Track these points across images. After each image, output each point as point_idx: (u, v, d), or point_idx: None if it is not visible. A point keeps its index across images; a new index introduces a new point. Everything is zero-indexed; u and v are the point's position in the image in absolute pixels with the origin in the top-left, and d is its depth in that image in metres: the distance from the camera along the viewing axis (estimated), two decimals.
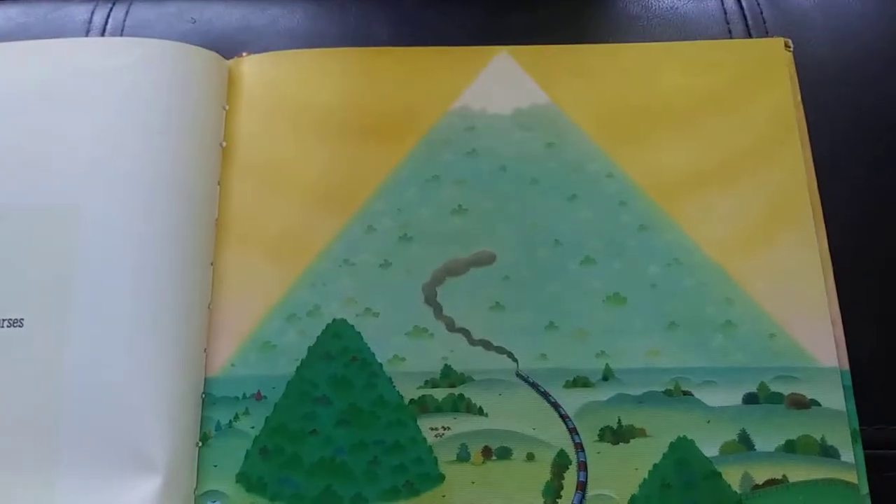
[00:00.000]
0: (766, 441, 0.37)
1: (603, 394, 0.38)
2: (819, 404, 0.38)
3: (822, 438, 0.37)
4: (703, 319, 0.39)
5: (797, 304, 0.39)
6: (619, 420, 0.38)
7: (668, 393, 0.38)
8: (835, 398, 0.38)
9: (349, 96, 0.44)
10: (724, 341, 0.39)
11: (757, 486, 0.37)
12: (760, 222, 0.41)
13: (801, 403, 0.38)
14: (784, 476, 0.37)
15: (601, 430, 0.38)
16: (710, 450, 0.37)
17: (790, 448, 0.37)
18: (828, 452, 0.37)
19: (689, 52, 0.44)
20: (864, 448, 0.37)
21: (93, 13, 0.49)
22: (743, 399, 0.38)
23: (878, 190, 0.42)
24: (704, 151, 0.42)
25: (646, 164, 0.42)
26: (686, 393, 0.38)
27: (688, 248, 0.40)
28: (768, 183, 0.41)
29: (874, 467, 0.37)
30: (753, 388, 0.38)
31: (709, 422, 0.38)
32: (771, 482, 0.37)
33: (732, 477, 0.37)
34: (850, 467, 0.37)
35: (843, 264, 0.40)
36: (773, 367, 0.38)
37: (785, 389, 0.38)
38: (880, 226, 0.42)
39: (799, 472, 0.37)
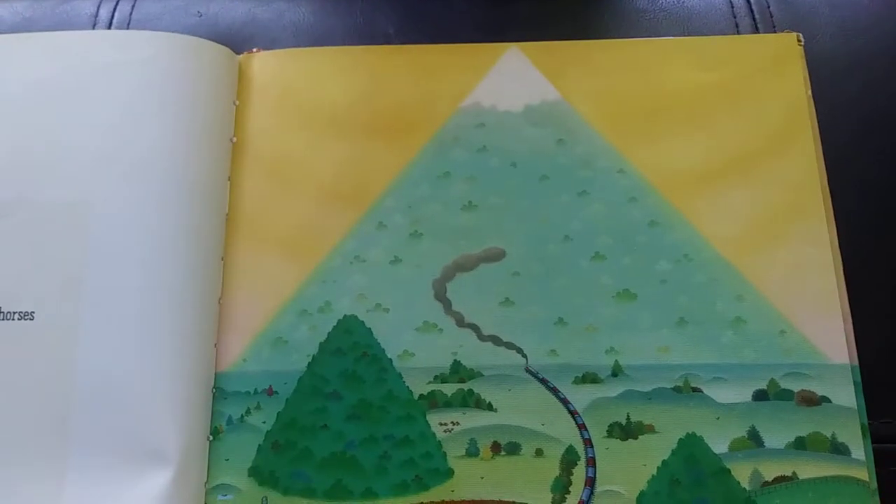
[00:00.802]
0: (775, 438, 0.37)
1: (612, 390, 0.39)
2: (829, 401, 0.38)
3: (833, 435, 0.37)
4: (713, 316, 0.39)
5: (808, 301, 0.39)
6: (628, 416, 0.38)
7: (677, 389, 0.38)
8: (845, 395, 0.38)
9: (360, 94, 0.44)
10: (733, 338, 0.39)
11: (766, 483, 0.37)
12: (772, 219, 0.41)
13: (811, 400, 0.38)
14: (794, 473, 0.37)
15: (610, 426, 0.38)
16: (719, 446, 0.37)
17: (800, 445, 0.37)
18: (838, 449, 0.37)
19: (701, 47, 0.44)
20: (872, 442, 0.37)
21: (99, 7, 0.48)
22: (753, 396, 0.38)
23: (887, 185, 0.42)
24: (716, 147, 0.42)
25: (657, 160, 0.42)
26: (695, 389, 0.38)
27: (698, 245, 0.40)
28: (780, 179, 0.41)
29: (881, 461, 0.37)
30: (763, 385, 0.38)
31: (718, 418, 0.38)
32: (781, 479, 0.37)
33: (742, 474, 0.37)
34: (860, 464, 0.37)
35: (853, 259, 0.40)
36: (784, 364, 0.38)
37: (795, 386, 0.38)
38: (890, 221, 0.42)
39: (809, 469, 0.37)
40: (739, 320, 0.39)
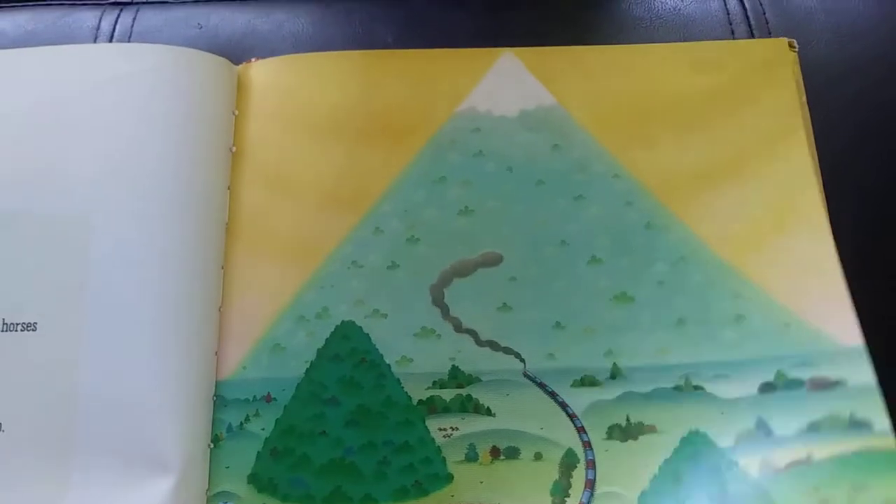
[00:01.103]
0: (785, 426, 0.36)
1: (611, 392, 0.38)
2: (844, 383, 0.36)
3: (851, 414, 0.35)
4: (713, 315, 0.39)
5: (813, 290, 0.38)
6: (628, 418, 0.38)
7: (677, 388, 0.38)
8: (862, 374, 0.36)
9: (356, 99, 0.44)
10: (735, 335, 0.38)
11: (779, 471, 0.35)
12: (768, 217, 0.40)
13: (823, 384, 0.36)
14: (808, 456, 0.35)
15: (609, 428, 0.38)
16: (725, 441, 0.36)
17: (814, 429, 0.36)
18: (858, 425, 0.35)
19: (693, 52, 0.44)
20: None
21: (100, 19, 0.49)
22: (759, 389, 0.37)
23: (884, 191, 0.42)
24: (710, 151, 0.42)
25: (652, 164, 0.42)
26: (697, 387, 0.38)
27: (694, 246, 0.40)
28: (775, 179, 0.41)
29: None
30: (770, 377, 0.37)
31: (722, 413, 0.37)
32: (794, 464, 0.35)
33: (751, 465, 0.36)
34: (885, 434, 0.34)
35: (850, 265, 0.40)
36: (791, 355, 0.37)
37: (805, 374, 0.37)
38: (887, 226, 0.42)
39: (825, 449, 0.35)
40: (740, 318, 0.39)
